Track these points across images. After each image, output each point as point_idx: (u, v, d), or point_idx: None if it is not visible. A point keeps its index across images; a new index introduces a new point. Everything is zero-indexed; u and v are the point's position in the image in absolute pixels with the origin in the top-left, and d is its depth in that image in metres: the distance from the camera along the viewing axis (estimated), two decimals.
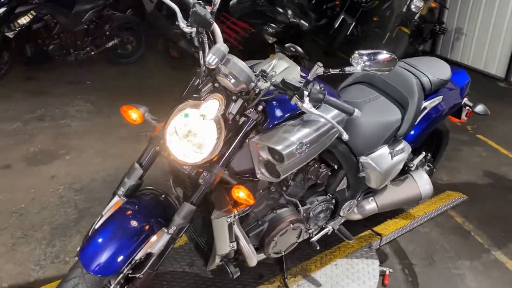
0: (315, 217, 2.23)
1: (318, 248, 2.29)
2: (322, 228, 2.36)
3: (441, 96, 2.48)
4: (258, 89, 1.63)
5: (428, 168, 2.80)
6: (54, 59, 5.31)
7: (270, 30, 4.74)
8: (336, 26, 6.53)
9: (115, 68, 5.71)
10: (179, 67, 5.76)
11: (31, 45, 5.15)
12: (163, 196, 1.89)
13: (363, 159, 2.22)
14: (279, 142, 1.68)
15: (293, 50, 4.86)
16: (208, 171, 1.70)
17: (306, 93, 1.59)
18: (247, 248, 1.97)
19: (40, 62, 5.38)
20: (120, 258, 1.59)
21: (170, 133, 1.62)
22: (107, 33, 5.47)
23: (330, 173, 2.16)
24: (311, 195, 2.23)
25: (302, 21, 4.74)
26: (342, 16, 6.46)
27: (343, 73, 1.62)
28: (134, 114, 1.80)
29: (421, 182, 2.48)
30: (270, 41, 4.79)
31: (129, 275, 1.79)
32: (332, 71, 1.62)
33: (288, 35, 4.79)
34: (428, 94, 2.41)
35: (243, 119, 1.70)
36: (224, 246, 1.87)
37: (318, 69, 1.60)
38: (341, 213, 2.38)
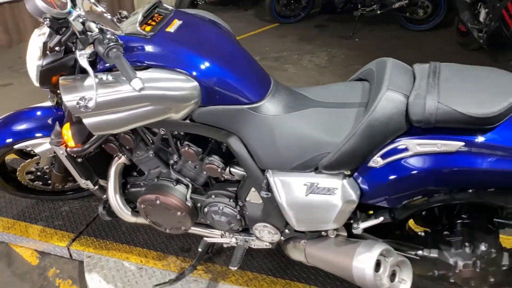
0: (210, 216, 1.82)
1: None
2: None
3: (460, 144, 1.30)
4: (50, 22, 1.44)
5: None
6: (339, 12, 5.49)
7: None
8: None
9: (400, 32, 5.31)
10: (463, 44, 4.72)
11: None
12: None
13: (270, 174, 1.58)
14: (71, 90, 1.52)
15: None
16: (61, 99, 1.75)
17: (89, 40, 1.40)
18: (113, 197, 1.92)
19: (327, 13, 5.72)
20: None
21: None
22: None
23: (219, 169, 1.68)
24: (216, 189, 1.81)
25: None
26: None
27: None
28: None
29: (361, 256, 1.47)
30: None
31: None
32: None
33: None
34: (422, 127, 1.33)
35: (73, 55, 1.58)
36: (77, 178, 1.92)
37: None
38: (256, 233, 1.80)
